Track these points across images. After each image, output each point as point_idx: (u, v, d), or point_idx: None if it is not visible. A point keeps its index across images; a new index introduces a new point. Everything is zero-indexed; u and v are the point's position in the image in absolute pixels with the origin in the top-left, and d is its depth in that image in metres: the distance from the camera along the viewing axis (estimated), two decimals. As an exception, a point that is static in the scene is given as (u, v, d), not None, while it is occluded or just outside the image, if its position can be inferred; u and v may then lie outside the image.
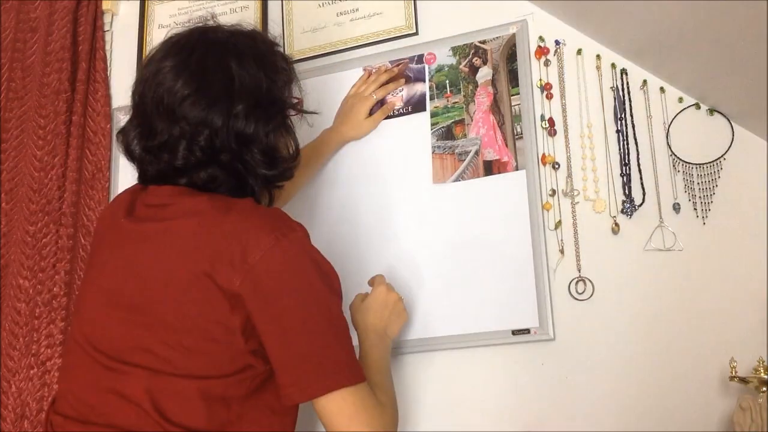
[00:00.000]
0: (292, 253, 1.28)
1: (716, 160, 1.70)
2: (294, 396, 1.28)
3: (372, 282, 1.64)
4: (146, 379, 1.25)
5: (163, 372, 1.25)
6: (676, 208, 1.70)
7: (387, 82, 1.92)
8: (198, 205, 1.32)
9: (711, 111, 1.73)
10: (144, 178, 1.41)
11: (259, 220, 1.29)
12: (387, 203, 1.87)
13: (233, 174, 1.34)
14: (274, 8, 2.12)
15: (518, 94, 1.83)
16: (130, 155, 1.40)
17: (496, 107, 1.84)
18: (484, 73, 1.87)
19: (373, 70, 1.94)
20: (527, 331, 1.70)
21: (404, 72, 1.94)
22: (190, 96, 1.32)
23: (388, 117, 1.92)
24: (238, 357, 1.28)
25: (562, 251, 1.74)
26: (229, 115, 1.32)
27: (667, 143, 1.74)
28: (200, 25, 1.46)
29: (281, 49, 1.49)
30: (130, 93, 1.44)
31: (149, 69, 1.38)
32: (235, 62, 1.35)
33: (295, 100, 1.46)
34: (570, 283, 1.72)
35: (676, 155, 1.73)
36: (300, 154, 1.46)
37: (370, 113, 1.90)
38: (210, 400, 1.26)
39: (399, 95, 1.93)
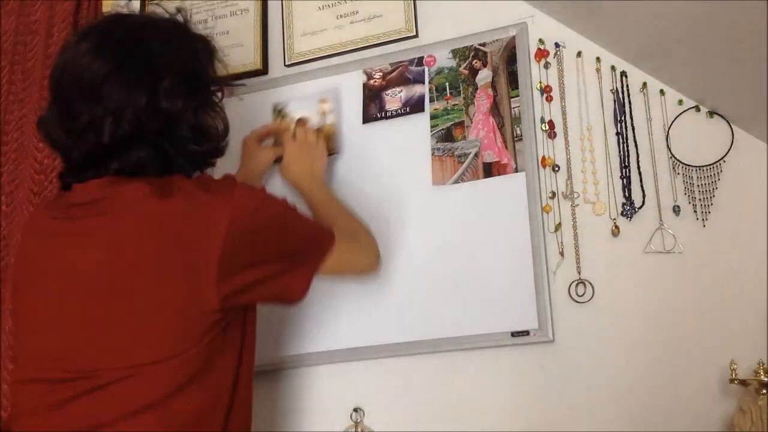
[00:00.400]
0: (246, 206, 1.32)
1: (716, 162, 1.70)
2: (301, 281, 1.41)
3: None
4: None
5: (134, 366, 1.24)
6: (676, 210, 1.70)
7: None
8: (136, 192, 1.29)
9: (711, 113, 1.73)
10: (70, 168, 1.37)
11: (204, 195, 1.30)
12: (386, 205, 1.87)
13: (161, 152, 1.33)
14: (273, 11, 2.12)
15: (518, 96, 1.83)
16: (53, 143, 1.37)
17: (495, 109, 1.84)
18: (484, 76, 1.87)
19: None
20: (526, 333, 1.69)
21: (404, 74, 1.94)
22: (112, 74, 1.30)
23: (387, 117, 1.92)
24: (207, 331, 1.28)
25: (562, 254, 1.74)
26: (154, 92, 1.31)
27: (667, 146, 1.74)
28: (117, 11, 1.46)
29: (200, 30, 1.48)
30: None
31: (66, 54, 1.36)
32: (156, 40, 1.35)
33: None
34: (570, 285, 1.72)
35: (676, 158, 1.73)
36: (228, 131, 1.47)
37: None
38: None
39: (398, 96, 1.93)
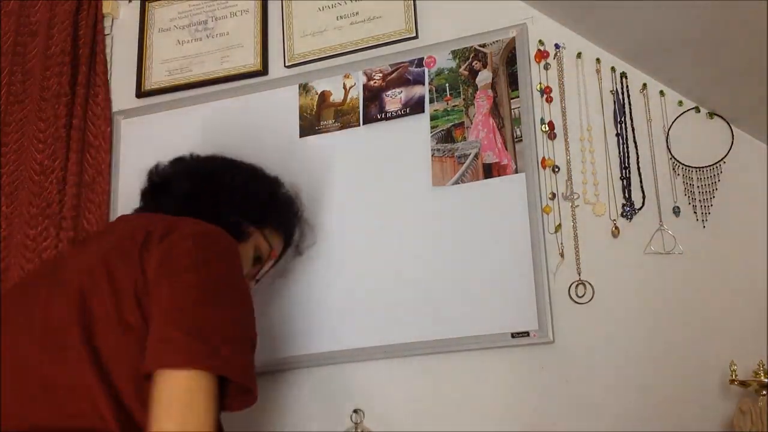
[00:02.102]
0: (220, 245, 1.31)
1: (716, 163, 1.70)
2: (148, 362, 1.15)
3: None
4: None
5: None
6: (676, 211, 1.70)
7: None
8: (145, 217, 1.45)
9: (711, 114, 1.73)
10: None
11: (194, 222, 1.35)
12: (386, 206, 1.87)
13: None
14: (274, 11, 2.12)
15: (518, 97, 1.83)
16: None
17: (495, 110, 1.84)
18: (484, 77, 1.87)
19: None
20: (526, 334, 1.69)
21: (404, 75, 1.94)
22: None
23: (387, 119, 1.92)
24: None
25: (562, 254, 1.74)
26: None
27: (667, 146, 1.74)
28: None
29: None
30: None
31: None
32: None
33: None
34: (570, 286, 1.72)
35: (675, 158, 1.73)
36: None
37: None
38: None
39: (398, 97, 1.93)
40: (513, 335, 1.70)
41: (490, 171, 1.81)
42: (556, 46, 1.85)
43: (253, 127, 2.02)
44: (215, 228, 1.34)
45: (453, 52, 1.92)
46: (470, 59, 1.90)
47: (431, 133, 1.88)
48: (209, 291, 1.21)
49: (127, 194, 2.09)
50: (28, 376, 1.23)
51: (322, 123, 1.98)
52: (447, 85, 1.90)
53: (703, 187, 1.70)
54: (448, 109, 1.89)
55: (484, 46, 1.89)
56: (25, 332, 1.27)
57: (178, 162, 1.63)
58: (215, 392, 1.14)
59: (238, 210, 1.56)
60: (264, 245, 1.61)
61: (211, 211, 1.47)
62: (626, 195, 1.74)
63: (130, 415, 1.17)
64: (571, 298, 1.72)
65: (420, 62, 1.94)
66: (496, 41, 1.88)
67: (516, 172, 1.79)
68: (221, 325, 1.19)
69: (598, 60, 1.82)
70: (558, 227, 1.76)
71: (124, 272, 1.24)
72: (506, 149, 1.81)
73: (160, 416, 1.10)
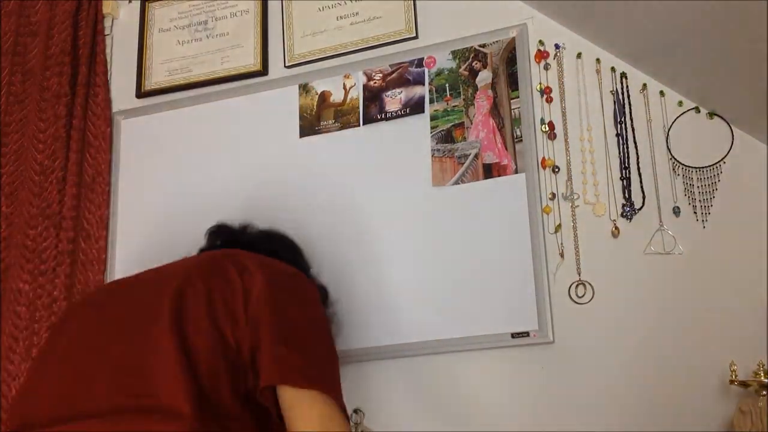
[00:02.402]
0: (302, 280, 1.44)
1: (716, 163, 1.70)
2: (275, 375, 1.25)
3: None
4: None
5: None
6: (676, 211, 1.70)
7: None
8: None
9: (711, 114, 1.73)
10: None
11: (283, 263, 1.46)
12: (386, 206, 1.87)
13: None
14: (274, 11, 2.12)
15: (518, 97, 1.83)
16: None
17: (495, 111, 1.84)
18: (484, 77, 1.87)
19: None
20: (527, 334, 1.69)
21: (404, 75, 1.94)
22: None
23: (387, 119, 1.92)
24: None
25: (562, 255, 1.74)
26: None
27: (667, 147, 1.74)
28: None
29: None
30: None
31: None
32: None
33: None
34: (570, 286, 1.72)
35: (675, 159, 1.73)
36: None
37: None
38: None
39: (398, 97, 1.93)
40: (513, 335, 1.70)
41: (490, 171, 1.81)
42: (556, 46, 1.85)
43: (253, 127, 2.02)
44: (301, 272, 1.47)
45: (453, 52, 1.92)
46: (470, 59, 1.90)
47: (431, 133, 1.88)
48: (312, 327, 1.37)
49: (127, 194, 2.09)
50: (114, 361, 1.28)
51: (322, 123, 1.98)
52: (447, 85, 1.90)
53: (703, 187, 1.70)
54: (448, 109, 1.89)
55: (484, 46, 1.89)
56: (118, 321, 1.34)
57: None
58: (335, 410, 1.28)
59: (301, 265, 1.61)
60: None
61: (285, 257, 1.53)
62: (626, 195, 1.74)
63: (207, 396, 1.23)
64: (571, 298, 1.72)
65: (420, 62, 1.94)
66: (496, 41, 1.88)
67: (516, 172, 1.79)
68: (327, 357, 1.35)
69: (598, 60, 1.82)
70: (558, 227, 1.76)
71: (216, 282, 1.32)
72: (506, 149, 1.81)
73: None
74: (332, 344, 1.39)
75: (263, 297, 1.30)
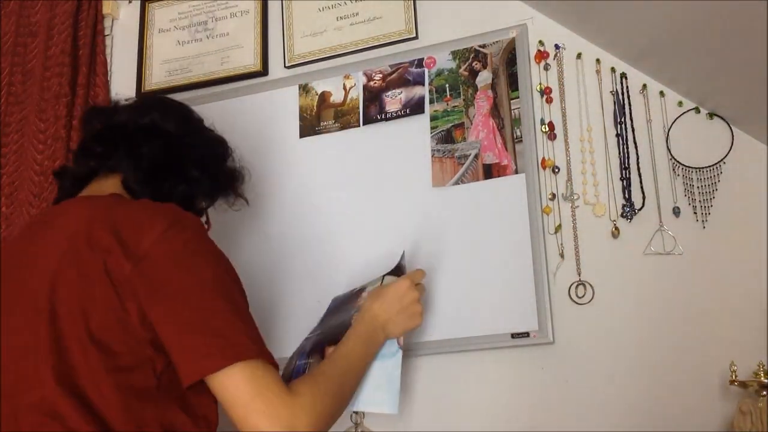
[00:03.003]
0: (186, 236, 1.25)
1: (716, 164, 1.70)
2: (189, 373, 1.17)
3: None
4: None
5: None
6: (676, 212, 1.70)
7: None
8: (94, 198, 1.33)
9: (711, 115, 1.73)
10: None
11: (152, 209, 1.29)
12: (386, 206, 1.87)
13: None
14: (274, 12, 2.12)
15: (518, 98, 1.83)
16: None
17: (495, 111, 1.85)
18: (484, 77, 1.87)
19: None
20: (526, 334, 1.69)
21: (404, 75, 1.95)
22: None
23: (387, 119, 1.92)
24: (138, 349, 1.20)
25: (562, 255, 1.74)
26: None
27: (667, 147, 1.74)
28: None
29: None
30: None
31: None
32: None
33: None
34: (570, 287, 1.72)
35: (675, 159, 1.73)
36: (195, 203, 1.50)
37: None
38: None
39: (398, 97, 1.93)
40: (513, 336, 1.70)
41: (490, 171, 1.81)
42: (556, 46, 1.85)
43: (253, 127, 2.02)
44: (183, 214, 1.29)
45: (453, 52, 1.92)
46: (470, 60, 1.90)
47: (431, 133, 1.88)
48: (205, 292, 1.21)
49: (127, 195, 2.09)
50: None
51: (322, 123, 1.98)
52: (447, 85, 1.90)
53: (703, 187, 1.70)
54: (448, 109, 1.89)
55: (484, 46, 1.89)
56: None
57: (144, 111, 1.46)
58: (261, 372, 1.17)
59: (201, 194, 1.48)
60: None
61: (176, 191, 1.41)
62: (626, 195, 1.74)
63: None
64: (571, 298, 1.72)
65: (420, 63, 1.94)
66: (496, 42, 1.88)
67: (516, 172, 1.79)
68: (231, 318, 1.20)
69: (598, 60, 1.82)
70: (558, 228, 1.76)
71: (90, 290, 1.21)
72: (506, 150, 1.81)
73: (242, 415, 1.15)
74: (232, 294, 1.24)
75: (144, 284, 1.19)
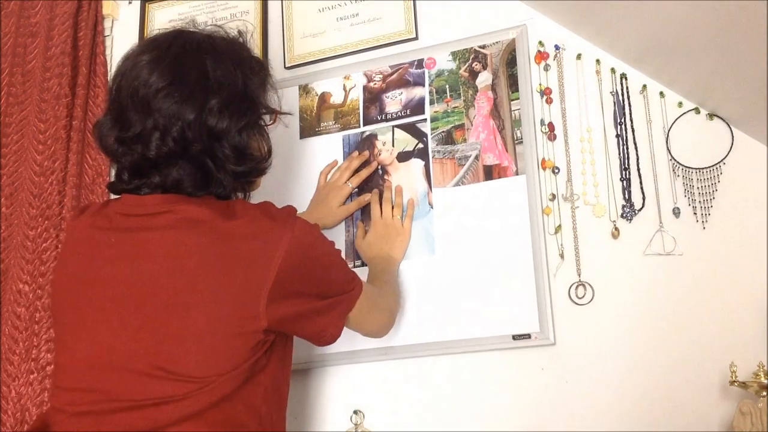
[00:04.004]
0: (302, 240, 1.35)
1: (716, 164, 1.71)
2: (336, 325, 1.44)
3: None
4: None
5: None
6: (676, 212, 1.70)
7: (360, 169, 1.90)
8: (201, 211, 1.32)
9: (711, 115, 1.73)
10: (119, 177, 1.40)
11: (267, 221, 1.34)
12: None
13: (201, 168, 1.36)
14: (274, 13, 2.12)
15: (518, 99, 1.83)
16: (104, 148, 1.41)
17: (496, 112, 1.85)
18: (484, 78, 1.88)
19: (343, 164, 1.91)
20: (528, 336, 1.70)
21: (404, 76, 1.95)
22: (164, 89, 1.33)
23: (387, 120, 1.92)
24: (253, 351, 1.32)
25: (562, 256, 1.74)
26: (202, 110, 1.33)
27: (667, 148, 1.74)
28: (181, 26, 1.47)
29: (259, 56, 1.51)
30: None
31: (126, 63, 1.40)
32: (211, 59, 1.37)
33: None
34: (570, 287, 1.72)
35: (675, 160, 1.73)
36: (271, 154, 1.49)
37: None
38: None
39: (398, 98, 1.93)
40: (514, 337, 1.70)
41: (490, 173, 1.81)
42: (556, 47, 1.85)
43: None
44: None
45: (453, 53, 1.92)
46: (470, 60, 1.90)
47: (431, 134, 1.88)
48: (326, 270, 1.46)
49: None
50: None
51: (322, 124, 1.98)
52: (447, 86, 1.90)
53: (703, 188, 1.70)
54: (449, 110, 1.89)
55: (483, 47, 1.89)
56: None
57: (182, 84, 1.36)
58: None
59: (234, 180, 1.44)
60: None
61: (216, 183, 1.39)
62: (626, 196, 1.74)
63: None
64: (571, 299, 1.72)
65: (420, 63, 1.94)
66: (496, 42, 1.88)
67: (517, 174, 1.79)
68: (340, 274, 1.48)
69: (598, 61, 1.82)
70: (558, 228, 1.76)
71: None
72: (507, 151, 1.81)
73: None
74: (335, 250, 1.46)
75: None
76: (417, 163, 1.87)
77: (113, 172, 1.44)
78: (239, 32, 1.49)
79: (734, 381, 1.50)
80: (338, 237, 1.87)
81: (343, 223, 1.88)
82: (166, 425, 1.25)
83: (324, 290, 1.41)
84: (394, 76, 1.96)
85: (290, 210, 1.39)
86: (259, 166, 1.45)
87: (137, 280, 1.31)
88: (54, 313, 1.42)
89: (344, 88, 1.99)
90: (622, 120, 1.78)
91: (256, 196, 1.53)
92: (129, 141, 1.34)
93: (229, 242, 1.30)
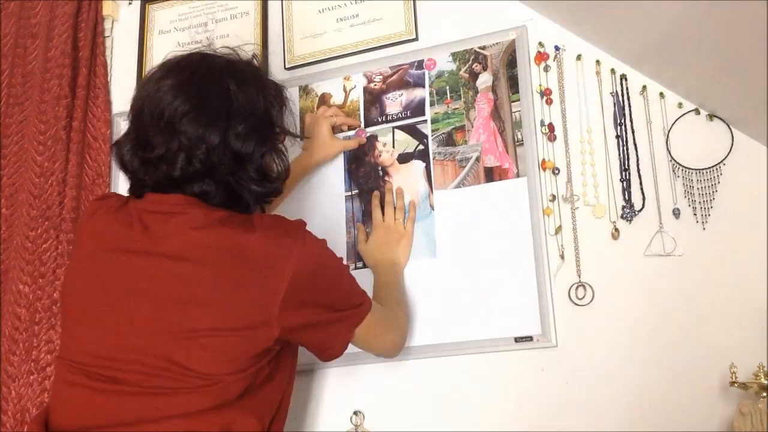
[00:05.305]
0: (313, 251, 1.40)
1: (716, 165, 1.71)
2: (342, 339, 1.47)
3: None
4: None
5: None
6: (676, 213, 1.71)
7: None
8: (221, 218, 1.37)
9: (710, 116, 1.73)
10: (138, 188, 1.44)
11: (281, 234, 1.38)
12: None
13: (225, 188, 1.40)
14: (274, 13, 2.12)
15: (518, 100, 1.83)
16: (125, 167, 1.45)
17: (496, 114, 1.85)
18: (485, 79, 1.88)
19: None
20: (530, 338, 1.70)
21: (404, 77, 1.95)
22: (190, 112, 1.37)
23: (387, 121, 1.92)
24: (260, 358, 1.36)
25: (562, 256, 1.74)
26: (227, 134, 1.38)
27: (667, 148, 1.75)
28: (199, 50, 1.52)
29: (275, 79, 1.56)
30: (130, 101, 1.48)
31: (149, 86, 1.44)
32: (234, 84, 1.42)
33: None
34: (570, 288, 1.72)
35: (675, 160, 1.73)
36: (288, 173, 1.55)
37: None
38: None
39: (399, 99, 1.94)
40: (516, 340, 1.70)
41: (491, 175, 1.81)
42: (556, 48, 1.85)
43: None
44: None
45: (453, 54, 1.92)
46: (470, 61, 1.90)
47: (432, 136, 1.88)
48: (338, 283, 1.50)
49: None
50: None
51: (322, 125, 1.98)
52: (447, 87, 1.90)
53: (703, 189, 1.70)
54: (449, 112, 1.89)
55: (484, 48, 1.89)
56: None
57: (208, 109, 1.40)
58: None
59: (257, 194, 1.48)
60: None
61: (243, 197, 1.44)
62: (626, 197, 1.74)
63: None
64: (571, 300, 1.72)
65: (420, 64, 1.94)
66: (496, 43, 1.88)
67: (517, 176, 1.79)
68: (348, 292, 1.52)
69: (598, 62, 1.82)
70: (558, 229, 1.76)
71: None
72: (507, 153, 1.81)
73: None
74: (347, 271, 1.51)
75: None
76: (418, 165, 1.87)
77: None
78: (254, 56, 1.54)
79: (734, 382, 1.50)
80: (339, 239, 1.87)
81: (344, 225, 1.88)
82: (170, 416, 1.27)
83: (334, 301, 1.44)
84: (394, 77, 1.96)
85: (301, 223, 1.43)
86: (279, 186, 1.49)
87: (157, 280, 1.34)
88: (65, 302, 1.44)
89: (344, 89, 1.99)
90: (622, 121, 1.78)
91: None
92: (153, 161, 1.38)
93: (246, 254, 1.34)
